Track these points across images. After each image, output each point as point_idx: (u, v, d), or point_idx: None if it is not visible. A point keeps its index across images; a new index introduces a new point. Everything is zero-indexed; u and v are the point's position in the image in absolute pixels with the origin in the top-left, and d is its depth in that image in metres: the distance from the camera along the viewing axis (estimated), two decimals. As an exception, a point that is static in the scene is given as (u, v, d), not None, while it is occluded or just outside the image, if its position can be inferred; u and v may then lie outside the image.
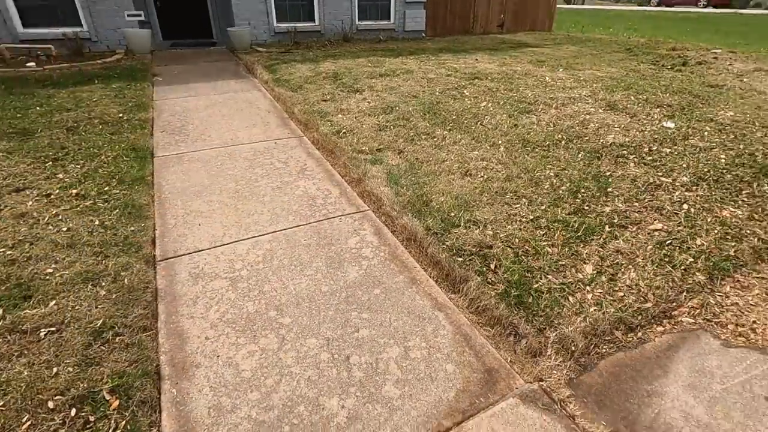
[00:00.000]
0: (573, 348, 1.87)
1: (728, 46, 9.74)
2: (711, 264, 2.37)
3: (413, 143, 3.93)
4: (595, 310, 2.06)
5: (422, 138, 4.03)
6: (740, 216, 2.79)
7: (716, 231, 2.63)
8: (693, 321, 2.06)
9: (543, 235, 2.58)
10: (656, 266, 2.34)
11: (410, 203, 2.93)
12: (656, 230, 2.63)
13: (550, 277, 2.25)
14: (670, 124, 4.23)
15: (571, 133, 4.04)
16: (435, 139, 4.00)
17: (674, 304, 2.15)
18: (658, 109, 4.69)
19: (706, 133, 4.05)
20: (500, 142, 3.90)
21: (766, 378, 1.77)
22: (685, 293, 2.20)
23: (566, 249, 2.46)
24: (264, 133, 4.41)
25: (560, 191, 3.05)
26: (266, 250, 2.52)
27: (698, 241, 2.54)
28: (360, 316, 2.05)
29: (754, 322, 2.05)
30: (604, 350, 1.92)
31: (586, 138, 3.94)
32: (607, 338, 1.96)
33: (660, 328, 2.04)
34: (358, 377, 1.74)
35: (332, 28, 10.44)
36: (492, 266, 2.34)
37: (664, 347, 1.93)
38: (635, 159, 3.54)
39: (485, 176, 3.28)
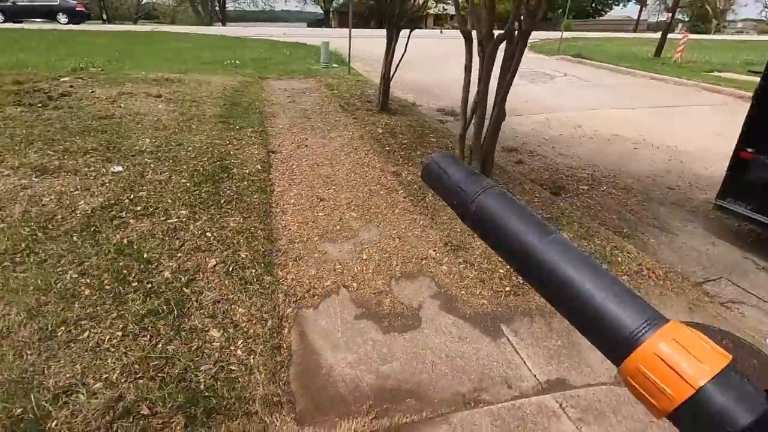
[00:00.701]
0: (276, 399, 2.09)
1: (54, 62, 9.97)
2: (264, 264, 3.07)
3: None
4: (252, 358, 2.29)
5: None
6: (240, 221, 3.61)
7: (242, 239, 3.32)
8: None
9: (149, 341, 2.32)
10: (242, 292, 2.77)
11: None
12: (216, 264, 3.00)
13: (203, 367, 2.18)
14: (119, 168, 4.34)
15: (39, 220, 3.31)
16: None
17: (280, 313, 2.72)
18: (89, 156, 4.59)
19: (151, 165, 4.51)
20: (-51, 278, 2.64)
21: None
22: (281, 295, 2.81)
23: (181, 335, 2.38)
24: None
25: (107, 287, 2.67)
26: None
27: (242, 254, 3.15)
28: None
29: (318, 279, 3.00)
30: (289, 379, 2.25)
31: (61, 217, 3.38)
32: (282, 369, 2.28)
33: (286, 331, 2.58)
34: None
35: None
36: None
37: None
38: (129, 214, 3.52)
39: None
